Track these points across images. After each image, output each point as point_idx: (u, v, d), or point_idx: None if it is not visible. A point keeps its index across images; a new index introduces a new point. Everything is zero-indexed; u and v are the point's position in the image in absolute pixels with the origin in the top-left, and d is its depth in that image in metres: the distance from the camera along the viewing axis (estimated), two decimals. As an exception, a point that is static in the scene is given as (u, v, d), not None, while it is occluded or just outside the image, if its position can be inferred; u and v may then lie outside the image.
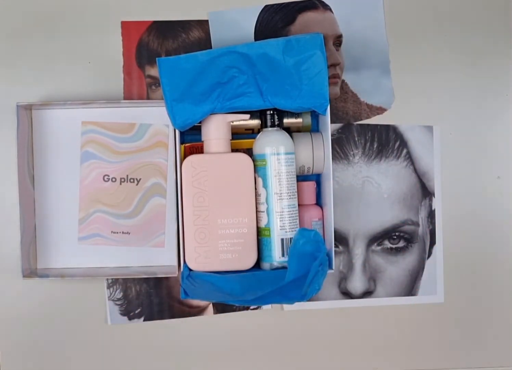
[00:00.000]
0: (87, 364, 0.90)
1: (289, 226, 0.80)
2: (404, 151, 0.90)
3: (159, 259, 0.88)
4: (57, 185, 0.88)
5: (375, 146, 0.90)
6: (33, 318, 0.89)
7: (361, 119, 0.90)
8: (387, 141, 0.90)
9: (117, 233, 0.88)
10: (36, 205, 0.88)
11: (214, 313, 0.90)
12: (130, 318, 0.90)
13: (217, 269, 0.79)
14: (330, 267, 0.80)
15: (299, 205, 0.83)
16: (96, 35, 0.89)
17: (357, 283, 0.90)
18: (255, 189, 0.81)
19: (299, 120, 0.86)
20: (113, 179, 0.88)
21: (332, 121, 0.88)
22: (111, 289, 0.89)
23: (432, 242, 0.91)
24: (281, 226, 0.80)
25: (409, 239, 0.90)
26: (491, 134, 0.91)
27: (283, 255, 0.80)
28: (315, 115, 0.87)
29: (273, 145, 0.80)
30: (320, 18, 0.89)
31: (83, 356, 0.90)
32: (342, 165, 0.90)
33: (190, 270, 0.80)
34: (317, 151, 0.83)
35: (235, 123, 0.84)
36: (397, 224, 0.90)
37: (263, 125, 0.82)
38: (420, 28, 0.90)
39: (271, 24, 0.89)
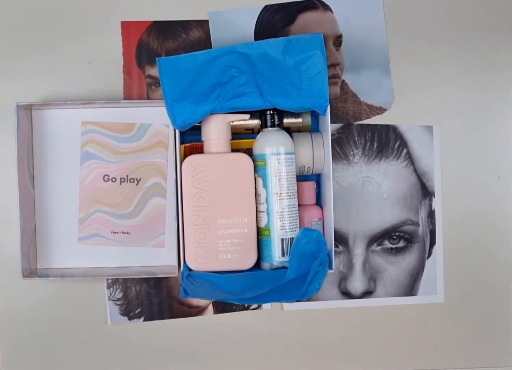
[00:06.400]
0: (87, 364, 0.90)
1: (289, 226, 0.80)
2: (404, 151, 0.90)
3: (159, 259, 0.88)
4: (57, 185, 0.88)
5: (375, 146, 0.90)
6: (33, 318, 0.89)
7: (361, 119, 0.90)
8: (387, 141, 0.90)
9: (117, 233, 0.88)
10: (36, 205, 0.88)
11: (214, 313, 0.90)
12: (130, 318, 0.90)
13: (217, 269, 0.79)
14: (330, 267, 0.80)
15: (299, 205, 0.83)
16: (96, 35, 0.88)
17: (357, 283, 0.90)
18: (255, 189, 0.81)
19: (299, 120, 0.86)
20: (113, 180, 0.88)
21: (332, 121, 0.88)
22: (111, 289, 0.89)
23: (432, 242, 0.91)
24: (281, 226, 0.80)
25: (409, 239, 0.90)
26: (491, 134, 0.91)
27: (283, 255, 0.80)
28: (315, 115, 0.87)
29: (273, 145, 0.80)
30: (320, 18, 0.89)
31: (83, 356, 0.90)
32: (342, 165, 0.90)
33: (190, 270, 0.80)
34: (317, 151, 0.83)
35: (235, 123, 0.84)
36: (397, 224, 0.90)
37: (263, 125, 0.82)
38: (420, 28, 0.90)
39: (271, 24, 0.89)
